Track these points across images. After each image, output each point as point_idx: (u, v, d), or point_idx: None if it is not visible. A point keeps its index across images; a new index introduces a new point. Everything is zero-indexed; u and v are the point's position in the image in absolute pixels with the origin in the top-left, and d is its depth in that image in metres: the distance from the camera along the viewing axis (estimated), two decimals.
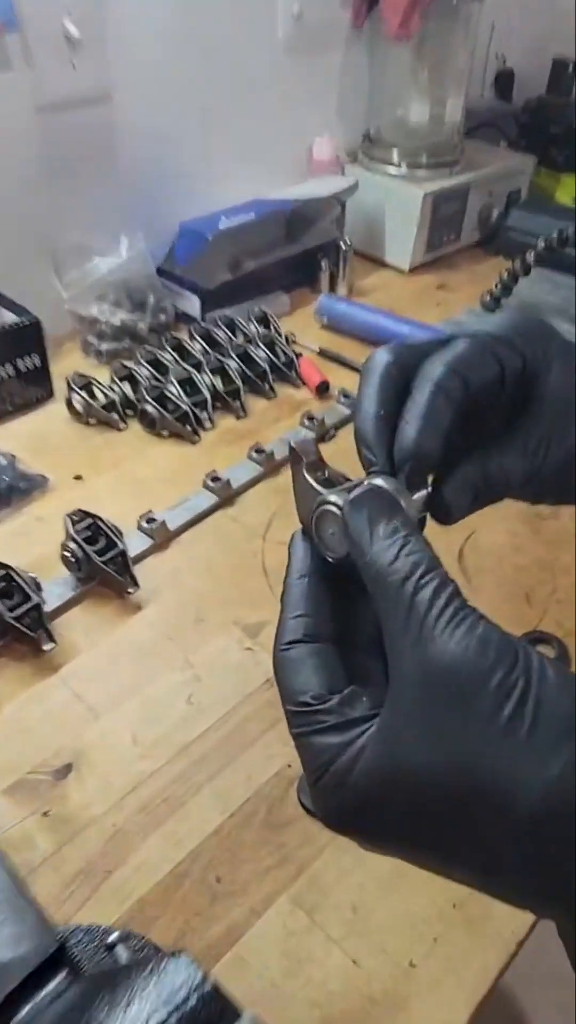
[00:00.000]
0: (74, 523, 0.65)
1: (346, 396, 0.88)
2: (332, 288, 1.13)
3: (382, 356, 0.32)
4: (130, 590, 0.65)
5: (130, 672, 0.60)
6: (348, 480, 0.31)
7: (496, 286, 1.08)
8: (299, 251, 1.11)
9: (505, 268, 1.07)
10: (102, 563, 0.64)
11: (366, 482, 0.29)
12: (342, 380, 0.94)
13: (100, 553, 0.64)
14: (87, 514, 0.66)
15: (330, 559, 0.31)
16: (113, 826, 0.50)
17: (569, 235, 0.99)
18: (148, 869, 0.48)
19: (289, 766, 0.54)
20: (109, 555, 0.64)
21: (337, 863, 0.49)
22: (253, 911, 0.47)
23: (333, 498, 0.30)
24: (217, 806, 0.52)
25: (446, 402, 0.30)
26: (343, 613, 0.31)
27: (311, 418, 0.85)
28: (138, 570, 0.69)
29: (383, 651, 0.26)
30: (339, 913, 0.47)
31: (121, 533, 0.68)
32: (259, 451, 0.80)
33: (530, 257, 1.02)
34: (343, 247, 1.09)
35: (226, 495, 0.76)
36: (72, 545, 0.64)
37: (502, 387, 0.32)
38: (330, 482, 0.31)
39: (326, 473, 0.32)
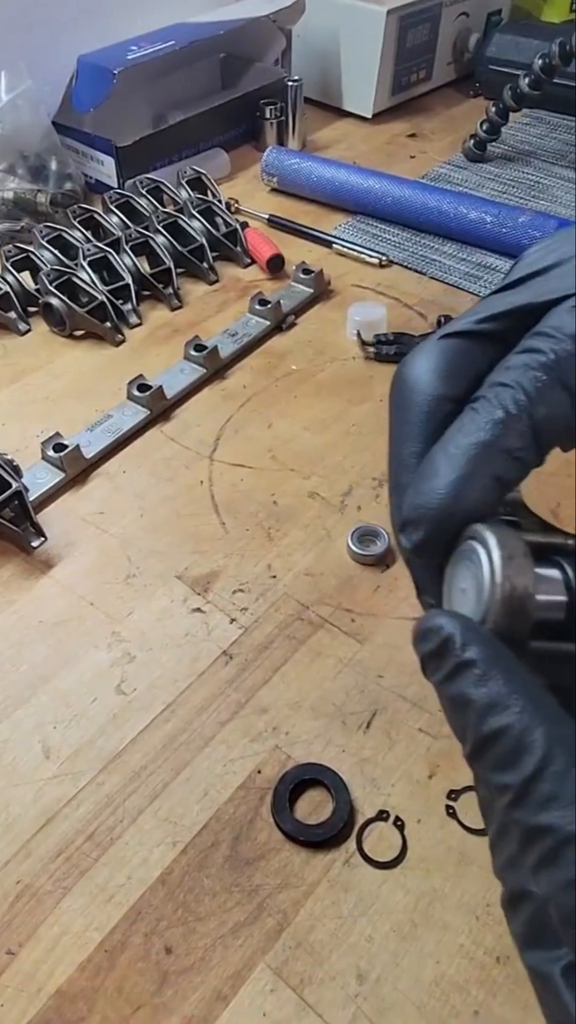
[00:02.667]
0: None
1: (305, 272, 0.70)
2: (281, 142, 0.92)
3: (427, 356, 0.21)
4: (34, 543, 0.49)
5: (39, 655, 0.45)
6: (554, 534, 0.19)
7: (481, 126, 0.88)
8: (237, 96, 0.90)
9: (491, 103, 0.87)
10: None
11: None
12: (298, 252, 0.75)
13: None
14: None
15: None
16: (18, 883, 0.36)
17: (555, 59, 0.78)
18: (69, 944, 0.34)
19: (259, 771, 0.40)
20: (1, 498, 0.48)
21: (333, 908, 0.35)
22: (219, 994, 0.33)
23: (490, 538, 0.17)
24: (164, 840, 0.38)
25: (523, 438, 0.19)
26: None
27: (263, 302, 0.67)
28: (46, 515, 0.52)
29: None
30: (339, 985, 0.33)
31: (18, 468, 0.51)
32: (199, 348, 0.62)
33: (524, 82, 0.82)
34: (291, 85, 0.87)
35: (159, 407, 0.59)
36: None
37: None
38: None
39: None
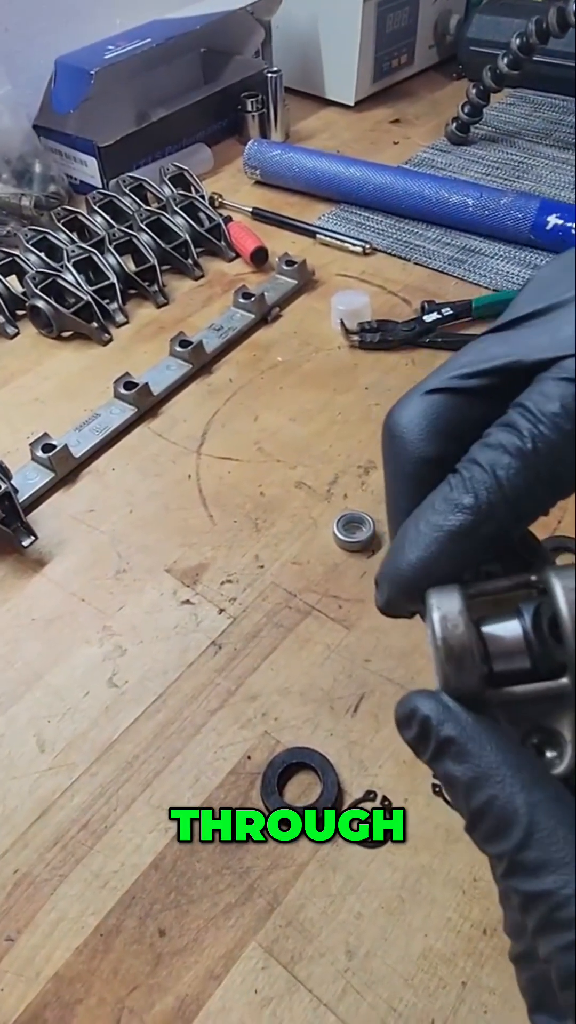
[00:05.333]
0: None
1: (288, 264, 0.70)
2: (264, 134, 0.92)
3: (413, 411, 0.20)
4: (25, 543, 0.50)
5: (33, 652, 0.46)
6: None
7: (462, 109, 0.88)
8: (218, 90, 0.90)
9: (472, 85, 0.86)
10: None
11: None
12: (283, 244, 0.76)
13: None
14: None
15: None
16: (16, 872, 0.37)
17: (532, 38, 0.78)
18: (66, 929, 0.35)
19: (249, 757, 0.41)
20: None
21: (322, 887, 0.36)
22: (211, 973, 0.34)
23: None
24: (156, 826, 0.38)
25: (492, 525, 0.18)
26: None
27: (247, 295, 0.67)
28: (37, 515, 0.53)
29: None
30: (329, 962, 0.34)
31: (7, 470, 0.52)
32: (184, 343, 0.63)
33: (503, 62, 0.81)
34: (270, 77, 0.87)
35: (146, 404, 0.60)
36: None
37: None
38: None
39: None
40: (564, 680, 0.17)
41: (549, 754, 0.18)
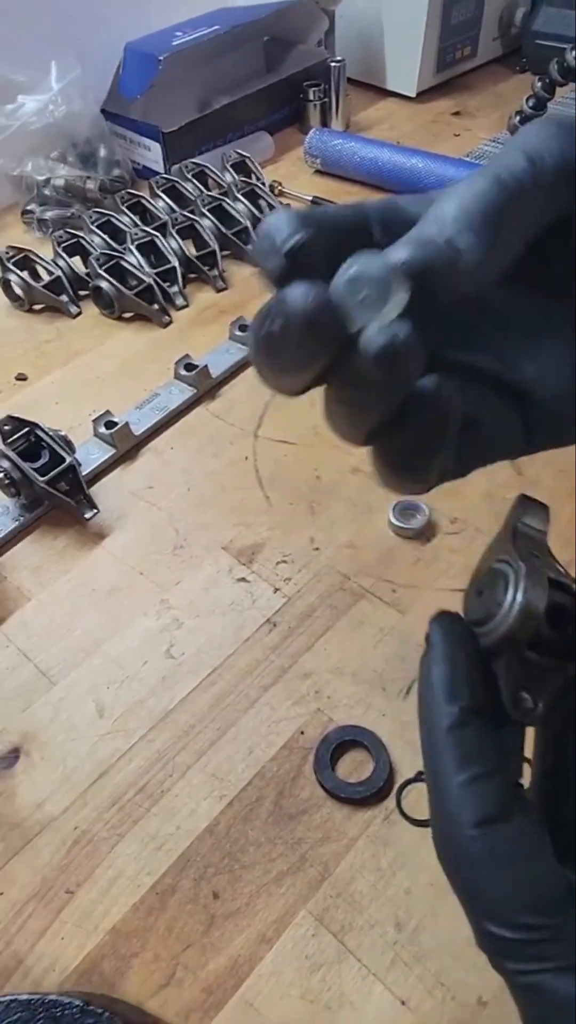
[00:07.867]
0: (5, 435, 0.50)
1: None
2: (325, 124, 0.92)
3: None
4: (87, 515, 0.51)
5: (92, 621, 0.47)
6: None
7: (527, 101, 0.87)
8: (281, 79, 0.90)
9: (537, 78, 0.85)
10: (45, 483, 0.49)
11: None
12: None
13: (43, 471, 0.50)
14: (22, 422, 0.51)
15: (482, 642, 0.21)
16: (75, 829, 0.38)
17: None
18: (123, 886, 0.37)
19: (302, 732, 0.41)
20: (54, 472, 0.50)
21: (372, 861, 0.37)
22: (263, 937, 0.35)
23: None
24: (211, 793, 0.39)
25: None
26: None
27: None
28: (98, 489, 0.54)
29: None
30: (378, 933, 0.35)
31: (71, 444, 0.53)
32: (244, 328, 0.64)
33: (571, 55, 0.80)
34: (334, 66, 0.88)
35: (205, 386, 0.61)
36: (4, 463, 0.49)
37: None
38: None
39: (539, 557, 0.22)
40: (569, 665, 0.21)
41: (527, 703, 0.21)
